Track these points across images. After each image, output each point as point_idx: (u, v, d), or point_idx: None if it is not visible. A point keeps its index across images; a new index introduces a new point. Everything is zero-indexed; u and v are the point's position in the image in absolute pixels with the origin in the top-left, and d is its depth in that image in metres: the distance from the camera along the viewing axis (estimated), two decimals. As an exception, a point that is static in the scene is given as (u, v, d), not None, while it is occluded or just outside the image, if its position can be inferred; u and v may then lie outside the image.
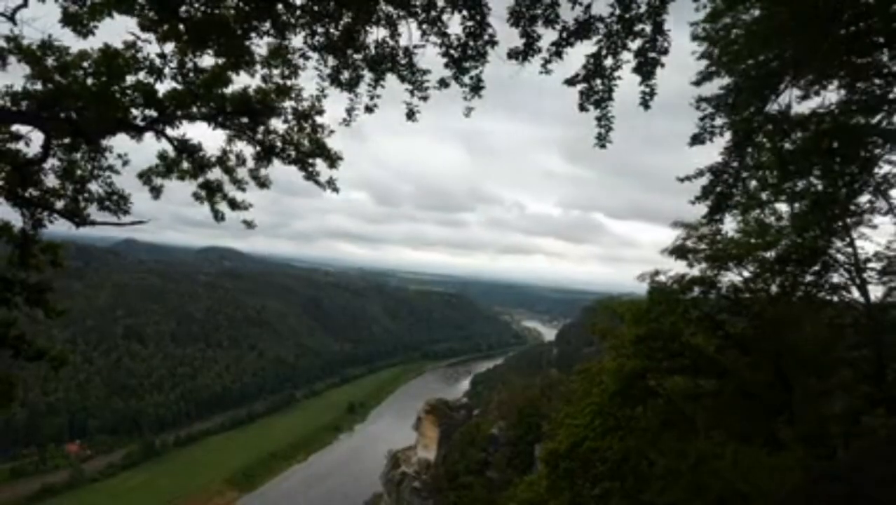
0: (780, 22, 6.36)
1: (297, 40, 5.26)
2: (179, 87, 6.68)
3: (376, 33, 4.74)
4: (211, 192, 7.83)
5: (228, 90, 6.87)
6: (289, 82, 6.76)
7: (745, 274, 12.98)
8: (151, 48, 6.29)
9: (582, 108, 4.59)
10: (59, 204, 7.42)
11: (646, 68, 4.29)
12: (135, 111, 6.80)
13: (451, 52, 4.56)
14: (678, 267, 12.98)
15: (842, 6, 6.01)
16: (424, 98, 4.87)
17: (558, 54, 4.30)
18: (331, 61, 5.04)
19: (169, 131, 7.18)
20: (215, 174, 7.80)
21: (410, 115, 4.94)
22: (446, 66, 4.61)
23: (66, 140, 7.04)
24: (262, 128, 7.39)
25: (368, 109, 5.06)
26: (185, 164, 7.62)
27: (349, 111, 5.15)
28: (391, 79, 4.98)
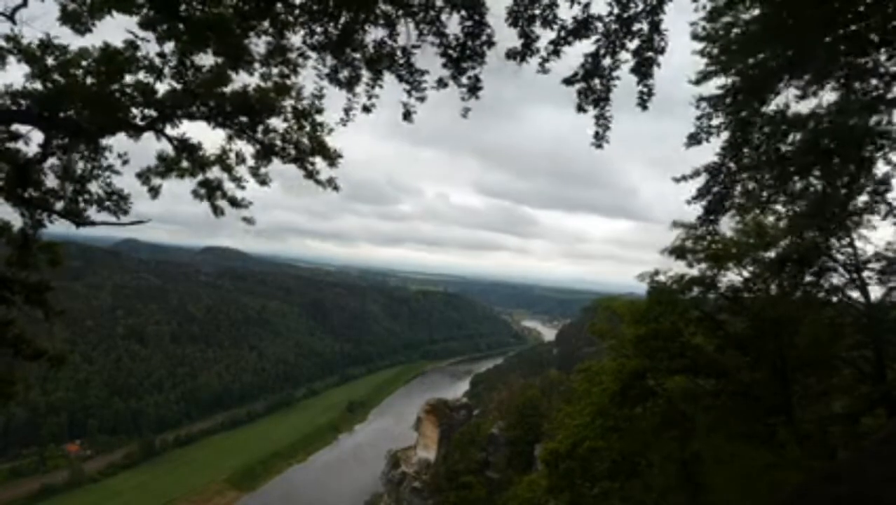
0: (778, 21, 6.36)
1: (295, 39, 5.26)
2: (179, 86, 6.69)
3: (375, 33, 4.74)
4: (211, 190, 7.84)
5: (228, 89, 6.87)
6: (288, 81, 6.76)
7: (745, 274, 12.98)
8: (151, 47, 6.30)
9: (580, 108, 4.55)
10: (59, 204, 7.42)
11: (643, 68, 4.27)
12: (134, 110, 6.81)
13: (450, 51, 4.55)
14: (678, 267, 12.99)
15: (840, 6, 6.01)
16: (422, 99, 4.83)
17: (556, 53, 4.29)
18: (329, 60, 5.03)
19: (169, 130, 7.20)
20: (215, 172, 7.82)
21: (407, 115, 4.87)
22: (444, 66, 4.59)
23: (66, 140, 7.05)
24: (261, 127, 7.40)
25: (366, 109, 5.03)
26: (185, 163, 7.62)
27: (346, 111, 5.14)
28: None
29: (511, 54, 4.33)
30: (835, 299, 12.53)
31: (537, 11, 4.17)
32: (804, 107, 7.57)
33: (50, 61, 6.41)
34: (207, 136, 7.39)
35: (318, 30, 4.82)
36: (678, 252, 12.89)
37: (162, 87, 6.72)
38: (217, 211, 7.94)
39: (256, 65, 6.35)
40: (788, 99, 7.35)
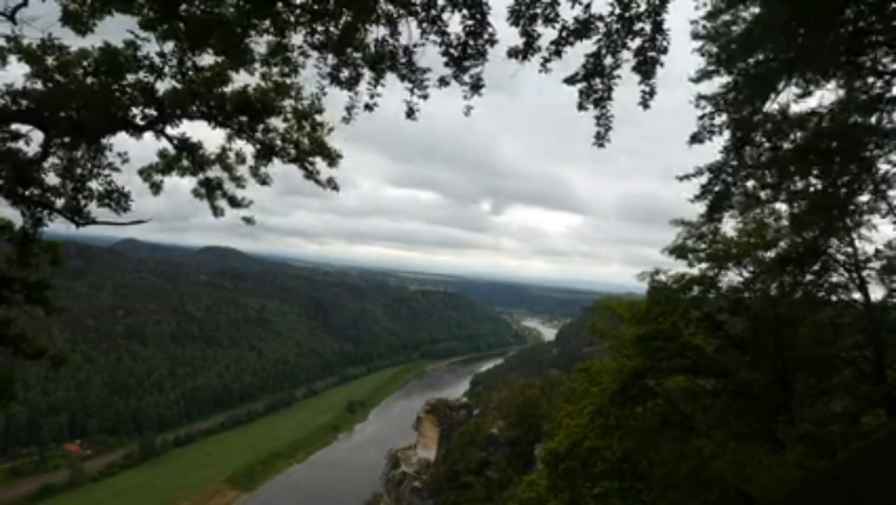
0: (779, 20, 6.35)
1: (296, 39, 5.26)
2: (179, 85, 6.69)
3: (376, 32, 4.74)
4: (211, 189, 7.86)
5: (228, 89, 6.88)
6: (288, 81, 6.76)
7: (745, 274, 12.98)
8: (151, 47, 6.30)
9: (581, 107, 4.57)
10: (59, 202, 7.42)
11: (645, 67, 4.28)
12: (135, 110, 6.82)
13: (451, 50, 4.55)
14: (678, 267, 12.99)
15: (842, 5, 6.00)
16: (424, 97, 4.86)
17: (558, 53, 4.29)
18: (330, 60, 5.04)
19: (169, 130, 7.20)
20: (215, 172, 7.84)
21: (410, 113, 4.90)
22: (446, 64, 4.60)
23: (67, 139, 7.05)
24: (261, 126, 7.40)
25: (368, 108, 5.04)
26: (185, 162, 7.64)
27: (349, 109, 5.16)
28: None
29: (513, 53, 4.34)
30: (835, 299, 12.53)
31: (539, 10, 4.18)
32: (805, 106, 7.58)
33: (50, 61, 6.41)
34: (208, 135, 7.41)
35: (320, 29, 4.83)
36: (679, 251, 12.90)
37: (162, 87, 6.73)
38: (217, 211, 7.97)
39: (257, 65, 6.35)
40: (789, 98, 7.36)
